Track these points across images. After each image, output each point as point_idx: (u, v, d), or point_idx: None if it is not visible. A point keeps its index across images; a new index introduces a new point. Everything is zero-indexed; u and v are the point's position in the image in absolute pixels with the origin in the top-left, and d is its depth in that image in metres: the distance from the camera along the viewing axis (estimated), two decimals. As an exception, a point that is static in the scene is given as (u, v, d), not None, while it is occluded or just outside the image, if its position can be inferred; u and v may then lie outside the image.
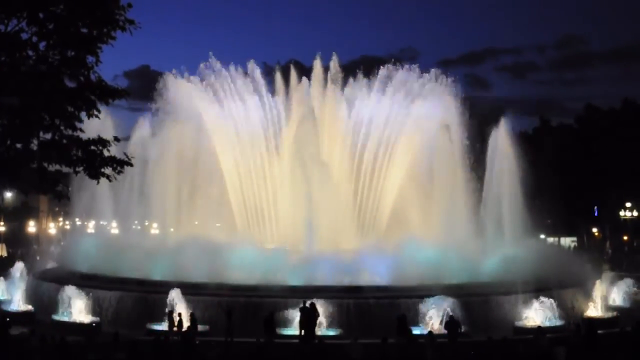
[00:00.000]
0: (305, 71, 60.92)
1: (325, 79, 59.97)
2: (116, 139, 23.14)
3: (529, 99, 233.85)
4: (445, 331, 33.72)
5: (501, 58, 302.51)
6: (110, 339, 30.16)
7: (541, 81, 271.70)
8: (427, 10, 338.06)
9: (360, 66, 61.42)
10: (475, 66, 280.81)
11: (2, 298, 45.82)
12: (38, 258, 69.26)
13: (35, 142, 22.43)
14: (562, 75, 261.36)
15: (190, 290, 38.66)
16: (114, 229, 66.26)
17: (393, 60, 59.75)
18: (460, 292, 39.72)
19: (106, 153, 22.70)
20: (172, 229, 55.94)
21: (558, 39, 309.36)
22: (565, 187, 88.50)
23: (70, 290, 40.30)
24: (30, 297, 44.35)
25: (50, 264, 55.88)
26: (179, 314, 35.17)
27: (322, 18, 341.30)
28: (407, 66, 59.37)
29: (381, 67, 59.36)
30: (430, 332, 32.97)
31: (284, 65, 61.65)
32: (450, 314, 35.42)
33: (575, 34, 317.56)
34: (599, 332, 32.86)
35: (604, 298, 44.63)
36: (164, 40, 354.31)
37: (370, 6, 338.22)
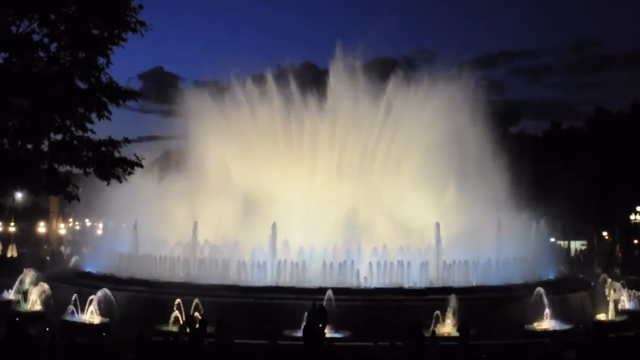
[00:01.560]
0: (318, 73, 60.66)
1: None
2: (127, 140, 23.16)
3: (544, 102, 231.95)
4: (457, 334, 33.78)
5: (517, 61, 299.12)
6: (119, 340, 30.23)
7: (557, 84, 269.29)
8: (443, 12, 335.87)
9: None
10: (490, 69, 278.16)
11: (12, 298, 45.97)
12: (48, 259, 69.54)
13: (46, 143, 22.47)
14: (578, 78, 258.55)
15: (200, 291, 38.78)
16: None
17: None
18: (470, 295, 39.78)
19: (116, 154, 22.74)
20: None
21: (575, 41, 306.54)
22: (574, 191, 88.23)
23: (80, 291, 40.45)
24: (41, 297, 44.48)
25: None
26: (191, 315, 35.22)
27: (335, 19, 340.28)
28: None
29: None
30: (433, 331, 33.15)
31: (297, 67, 61.22)
32: (463, 317, 35.41)
33: (593, 37, 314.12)
34: (609, 336, 32.76)
35: (614, 301, 44.53)
36: (177, 41, 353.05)
37: (384, 7, 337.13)
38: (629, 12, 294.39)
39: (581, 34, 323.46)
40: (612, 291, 47.70)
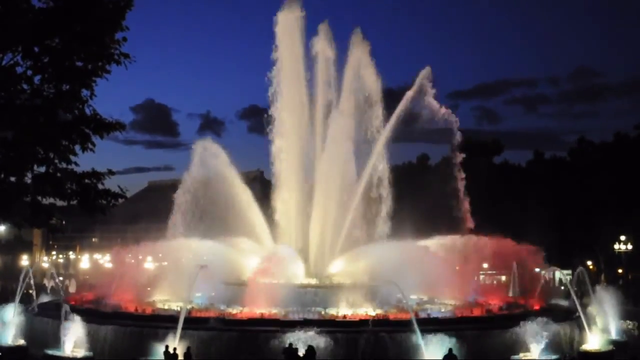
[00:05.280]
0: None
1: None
2: (111, 172, 23.08)
3: (539, 132, 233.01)
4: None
5: (513, 90, 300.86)
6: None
7: (553, 114, 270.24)
8: (441, 42, 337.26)
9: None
10: (487, 98, 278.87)
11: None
12: (31, 292, 68.74)
13: (29, 175, 22.41)
14: (574, 108, 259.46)
15: (185, 324, 38.43)
16: (108, 262, 66.01)
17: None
18: (456, 326, 39.69)
19: (100, 186, 22.66)
20: None
21: (571, 71, 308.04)
22: (558, 220, 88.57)
23: (63, 325, 40.03)
24: (23, 331, 43.99)
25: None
26: (174, 349, 34.86)
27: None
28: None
29: None
30: None
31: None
32: (449, 347, 35.26)
33: (591, 67, 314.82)
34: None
35: (600, 331, 44.51)
36: (167, 73, 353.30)
37: (381, 36, 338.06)
38: (627, 42, 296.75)
39: (578, 64, 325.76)
40: (598, 321, 47.66)
